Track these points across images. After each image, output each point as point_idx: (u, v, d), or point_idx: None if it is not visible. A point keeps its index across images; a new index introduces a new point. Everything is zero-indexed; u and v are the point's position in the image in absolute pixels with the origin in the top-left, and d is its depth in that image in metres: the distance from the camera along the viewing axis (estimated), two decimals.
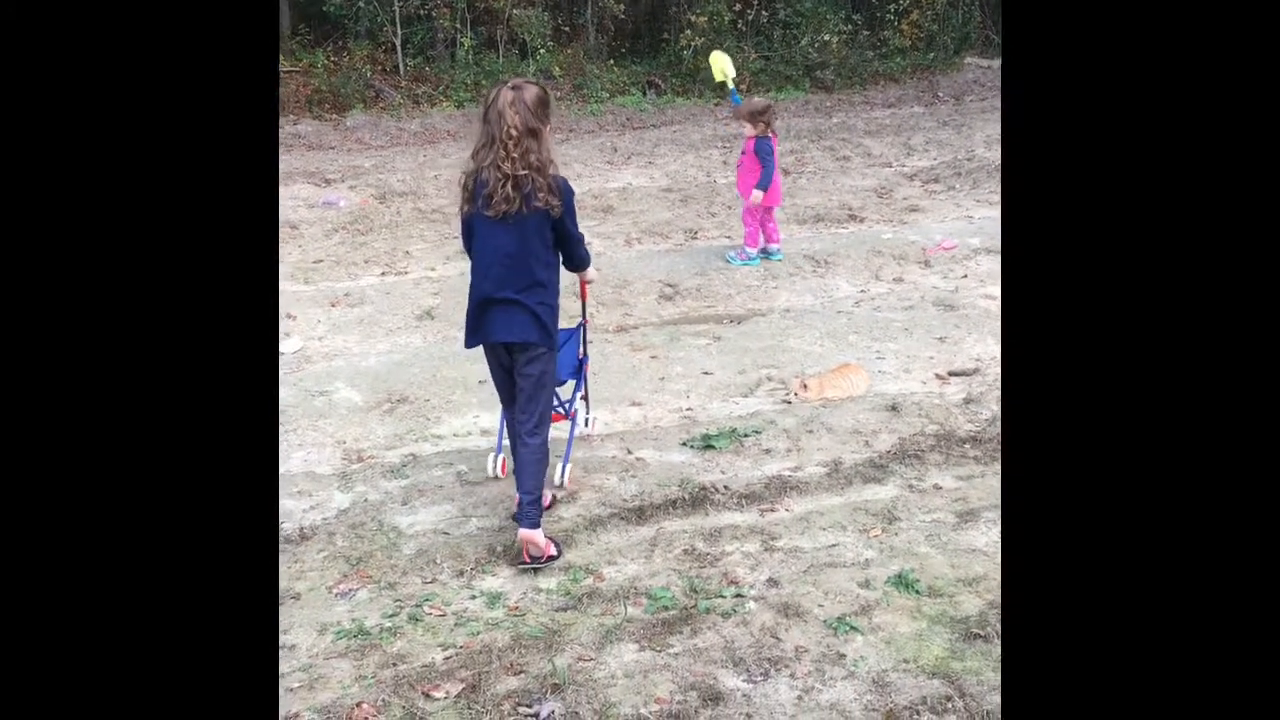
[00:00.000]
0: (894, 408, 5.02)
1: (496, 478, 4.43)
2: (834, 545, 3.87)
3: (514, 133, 3.51)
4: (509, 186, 3.52)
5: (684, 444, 4.74)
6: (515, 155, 3.52)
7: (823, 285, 7.28)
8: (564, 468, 4.41)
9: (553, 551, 3.80)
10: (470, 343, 3.83)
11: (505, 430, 4.17)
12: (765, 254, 7.75)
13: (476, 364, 5.73)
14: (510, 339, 3.71)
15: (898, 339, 6.14)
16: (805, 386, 5.30)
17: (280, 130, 13.28)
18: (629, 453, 4.67)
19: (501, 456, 4.43)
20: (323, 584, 3.66)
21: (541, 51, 15.34)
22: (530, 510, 3.71)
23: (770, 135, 7.47)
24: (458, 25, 15.39)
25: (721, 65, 8.53)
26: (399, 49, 15.29)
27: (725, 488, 4.31)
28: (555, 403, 4.22)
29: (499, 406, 5.19)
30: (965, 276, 7.35)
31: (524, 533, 3.70)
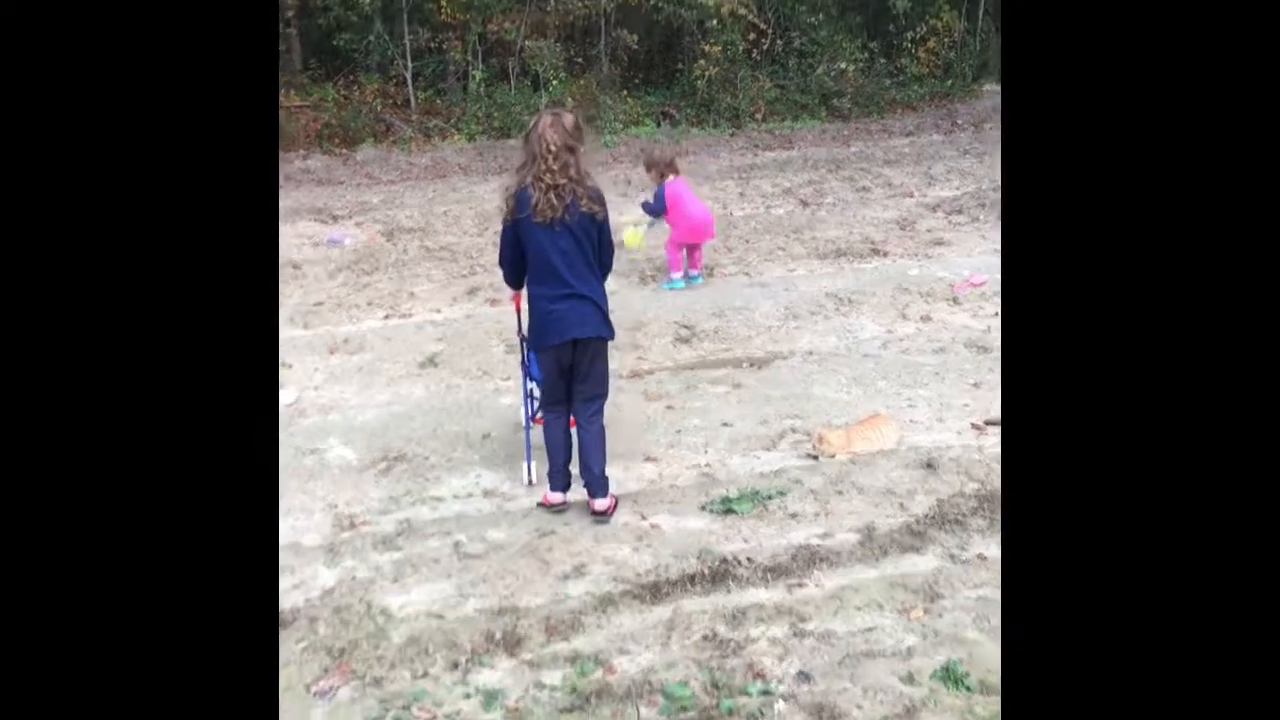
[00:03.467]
0: (930, 464, 4.63)
1: (530, 484, 4.66)
2: (870, 629, 3.47)
3: (553, 148, 3.98)
4: (551, 195, 3.98)
5: (703, 507, 4.36)
6: (555, 168, 3.98)
7: (847, 325, 6.90)
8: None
9: (615, 503, 4.38)
10: (546, 343, 4.16)
11: (530, 442, 4.61)
12: (689, 278, 7.94)
13: (480, 417, 5.40)
14: (586, 334, 4.15)
15: (929, 384, 5.75)
16: (823, 440, 4.90)
17: (289, 165, 13.05)
18: (643, 519, 4.29)
19: (534, 464, 4.68)
20: (301, 681, 3.28)
21: (554, 83, 15.07)
22: (602, 482, 4.31)
23: (666, 182, 7.67)
24: (469, 58, 15.15)
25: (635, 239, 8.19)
26: (410, 82, 15.05)
27: (748, 560, 3.92)
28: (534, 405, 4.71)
29: (501, 464, 4.90)
30: (996, 315, 6.96)
31: (598, 502, 4.31)
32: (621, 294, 7.67)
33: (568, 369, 4.23)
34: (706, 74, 15.46)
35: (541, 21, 15.44)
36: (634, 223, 8.14)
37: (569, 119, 4.10)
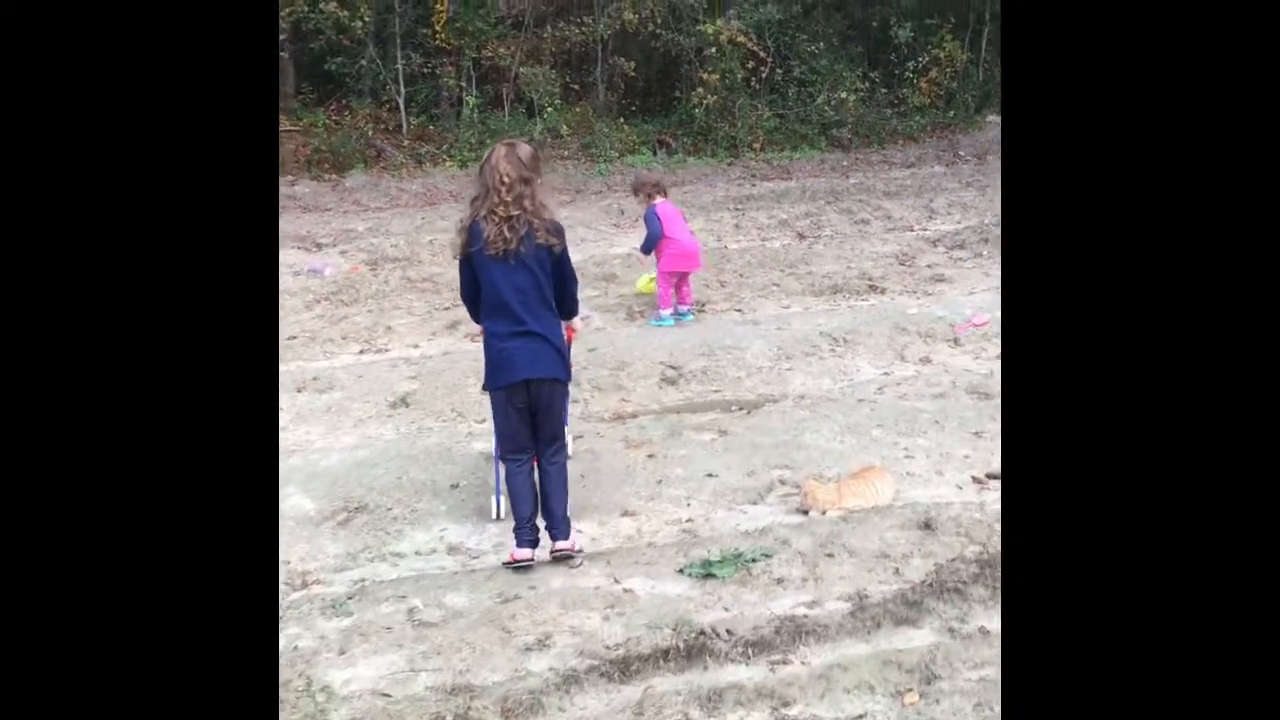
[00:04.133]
0: (927, 525, 4.30)
1: (498, 518, 4.52)
2: (860, 717, 3.14)
3: (506, 180, 3.84)
4: (504, 228, 3.82)
5: (681, 570, 4.03)
6: (509, 200, 3.84)
7: (842, 367, 6.59)
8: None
9: (579, 546, 4.18)
10: (497, 383, 3.99)
11: (499, 478, 4.33)
12: (678, 315, 7.70)
13: (449, 464, 5.08)
14: (538, 375, 3.95)
15: (928, 433, 5.43)
16: (811, 496, 4.56)
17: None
18: (615, 582, 3.97)
19: (504, 500, 4.41)
20: None
21: (549, 110, 14.82)
22: (563, 525, 4.13)
23: (654, 204, 7.52)
24: (463, 83, 14.92)
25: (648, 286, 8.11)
26: (402, 108, 14.80)
27: (728, 632, 3.59)
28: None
29: (468, 517, 4.59)
30: (1000, 357, 6.65)
31: (560, 544, 4.10)
32: (607, 330, 7.38)
33: (524, 411, 4.03)
34: (704, 102, 15.21)
35: (537, 48, 15.22)
36: (649, 276, 7.93)
37: (525, 149, 3.98)
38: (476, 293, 4.04)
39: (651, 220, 7.48)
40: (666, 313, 7.65)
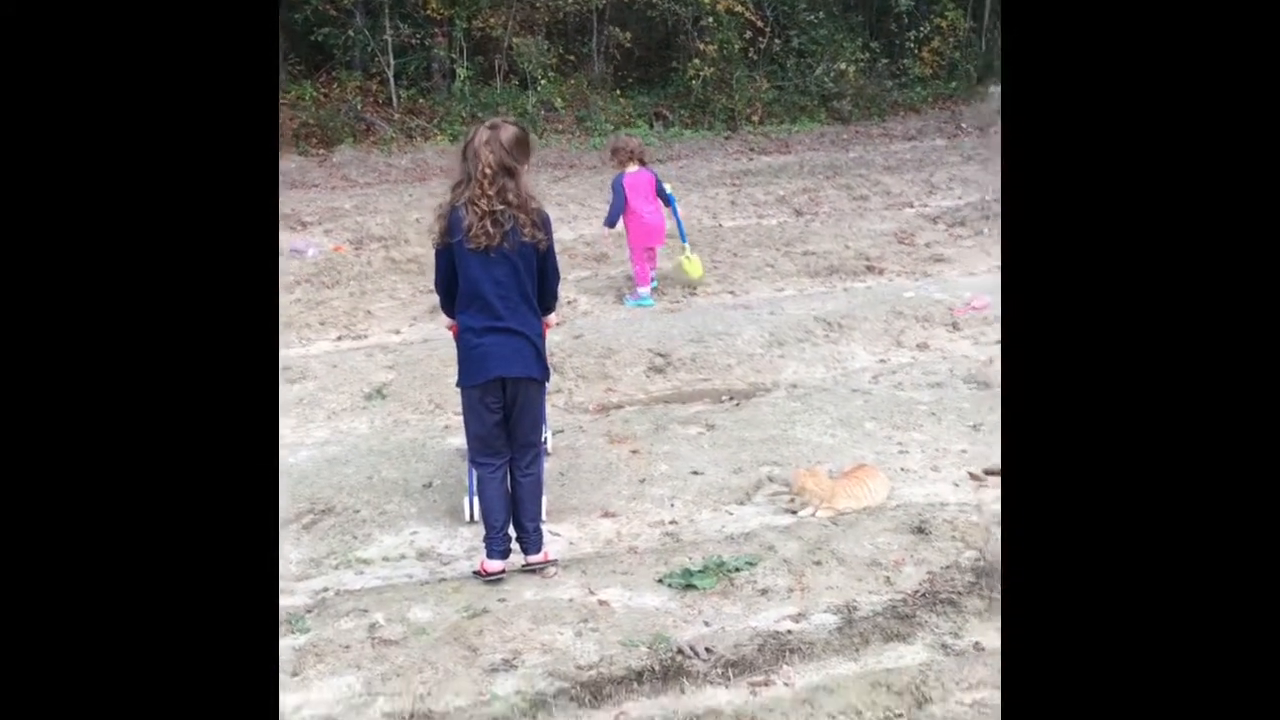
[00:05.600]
0: (921, 529, 4.08)
1: (471, 521, 4.28)
2: None
3: (488, 171, 3.55)
4: (487, 222, 3.55)
5: (661, 580, 3.81)
6: (491, 193, 3.55)
7: (836, 354, 6.36)
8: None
9: (553, 555, 3.99)
10: (471, 381, 3.74)
11: (474, 477, 4.05)
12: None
13: (423, 462, 4.87)
14: (514, 373, 3.70)
15: (924, 426, 5.21)
16: (804, 490, 4.35)
17: None
18: (591, 593, 3.75)
19: (477, 501, 4.10)
20: None
21: (543, 82, 14.51)
22: (535, 538, 3.92)
23: (625, 171, 7.32)
24: (454, 55, 14.58)
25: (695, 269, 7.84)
26: (392, 80, 14.48)
27: (708, 650, 3.38)
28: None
29: (440, 519, 4.38)
30: (999, 343, 6.42)
31: (532, 557, 3.91)
32: (594, 314, 7.15)
33: (498, 411, 3.77)
34: (701, 74, 14.88)
35: (530, 18, 14.87)
36: (685, 255, 7.65)
37: (508, 133, 3.64)
38: (453, 283, 3.77)
39: (616, 190, 7.31)
40: (645, 290, 7.50)
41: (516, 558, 3.94)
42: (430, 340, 6.57)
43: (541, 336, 3.82)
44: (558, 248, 4.03)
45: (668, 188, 7.53)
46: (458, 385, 3.85)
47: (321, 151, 13.38)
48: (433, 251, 3.87)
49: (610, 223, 7.42)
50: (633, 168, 7.35)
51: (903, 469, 4.78)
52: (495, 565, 3.85)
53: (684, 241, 7.74)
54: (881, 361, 6.24)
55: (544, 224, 3.71)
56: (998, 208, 9.59)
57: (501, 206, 3.57)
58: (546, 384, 3.99)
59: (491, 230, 3.57)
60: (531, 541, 3.92)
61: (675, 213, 7.63)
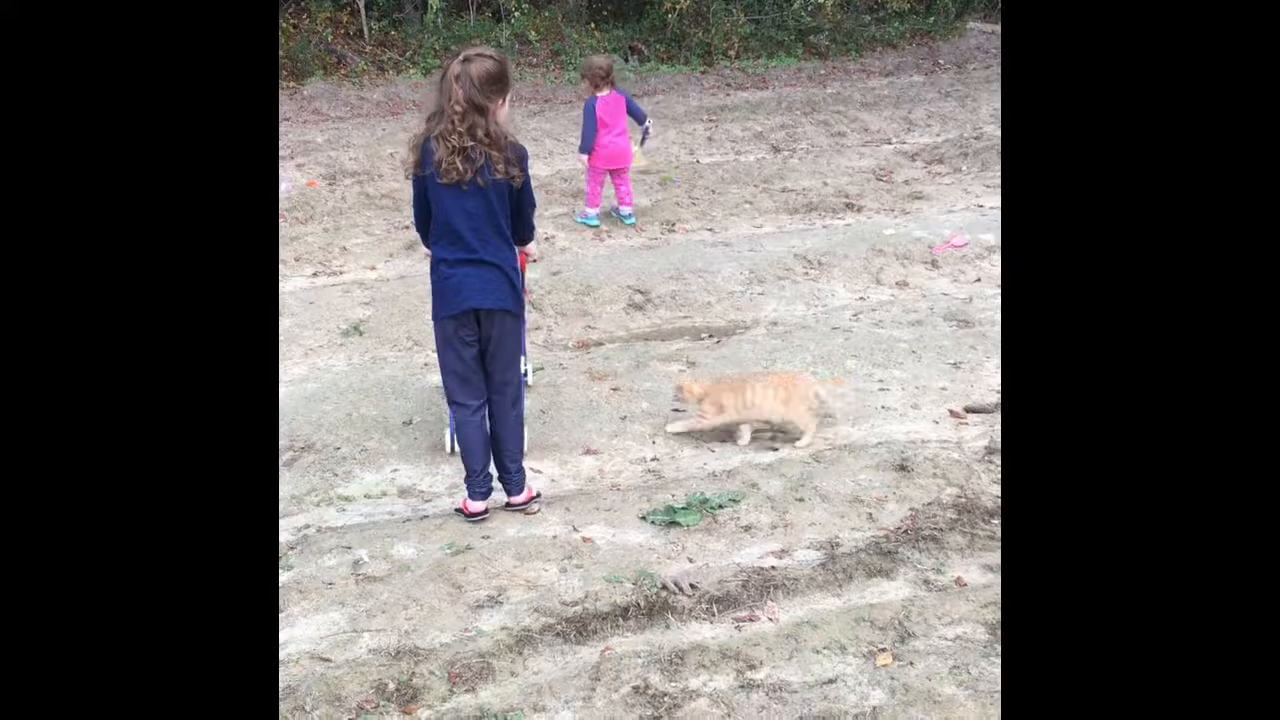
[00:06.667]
0: (903, 467, 4.10)
1: (453, 452, 4.30)
2: (830, 681, 2.95)
3: (458, 108, 3.47)
4: (457, 158, 3.49)
5: (644, 518, 3.82)
6: (461, 130, 3.48)
7: (816, 291, 6.34)
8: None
9: (537, 492, 4.02)
10: (445, 311, 3.68)
11: (453, 416, 3.94)
12: (620, 217, 7.68)
13: (402, 399, 4.83)
14: (488, 305, 3.66)
15: (904, 364, 5.21)
16: (685, 390, 4.50)
17: None
18: (574, 530, 3.75)
19: (453, 433, 4.12)
20: None
21: (517, 15, 14.25)
22: (517, 478, 3.92)
23: (597, 95, 7.28)
24: None
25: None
26: (363, 11, 14.17)
27: (692, 586, 3.39)
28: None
29: (421, 456, 4.36)
30: (979, 280, 6.43)
31: (514, 499, 3.93)
32: (572, 250, 7.08)
33: (473, 346, 3.72)
34: (678, 7, 14.65)
35: None
36: (639, 148, 7.66)
37: (480, 67, 3.50)
38: (427, 214, 3.71)
39: (588, 115, 7.29)
40: (593, 212, 7.61)
41: (500, 495, 3.93)
42: (407, 277, 6.50)
43: (517, 269, 3.75)
44: (534, 184, 3.97)
45: (648, 122, 7.55)
46: (433, 318, 3.80)
47: (292, 84, 13.10)
48: (408, 187, 3.81)
49: (585, 149, 7.40)
50: (604, 91, 7.32)
51: (883, 406, 4.79)
52: (477, 506, 3.84)
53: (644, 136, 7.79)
54: (861, 299, 6.23)
55: (519, 159, 3.62)
56: (977, 144, 9.57)
57: (471, 143, 3.49)
58: (524, 318, 3.95)
59: (462, 166, 3.50)
60: (514, 482, 3.91)
61: (646, 131, 7.71)
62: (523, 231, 3.82)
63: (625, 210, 7.70)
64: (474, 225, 3.59)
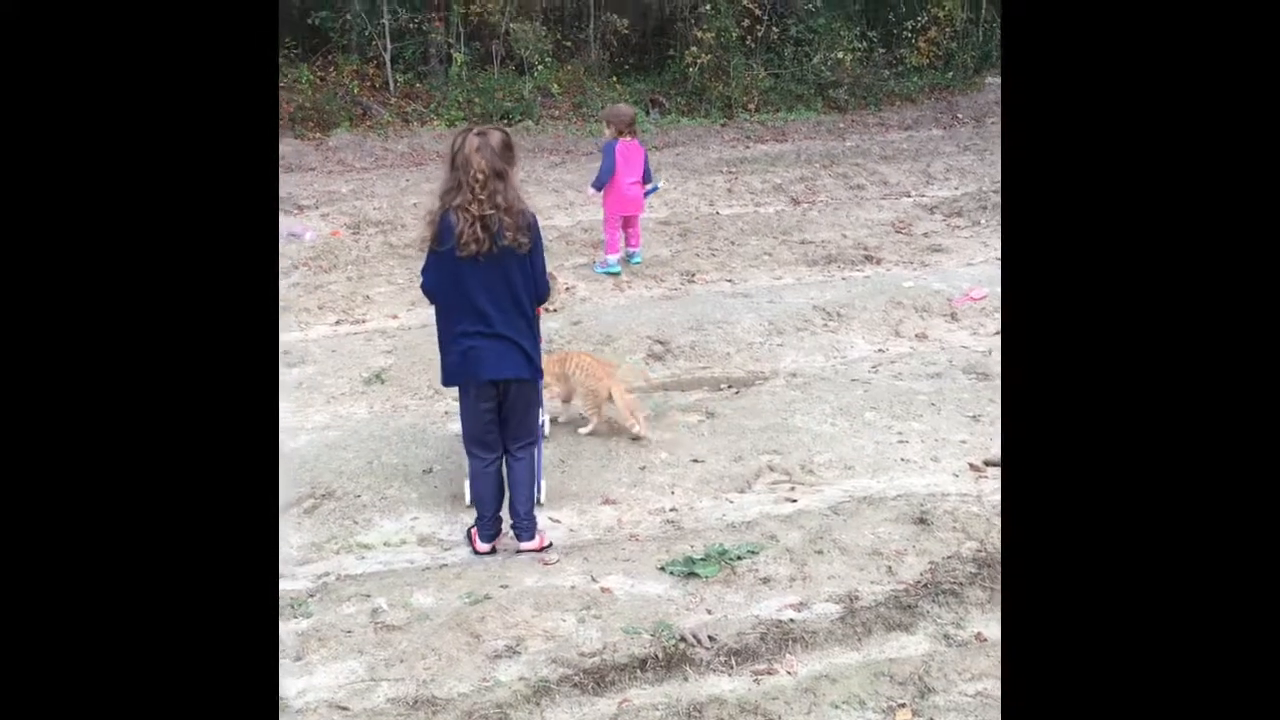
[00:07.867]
0: (922, 520, 4.09)
1: (471, 504, 4.23)
2: None
3: (480, 176, 3.59)
4: (478, 227, 3.60)
5: (663, 568, 3.82)
6: (482, 197, 3.60)
7: (835, 343, 6.36)
8: (540, 484, 4.35)
9: (547, 542, 4.07)
10: (453, 381, 3.88)
11: (471, 473, 4.07)
12: (628, 257, 7.81)
13: (423, 447, 4.86)
14: (504, 376, 3.80)
15: (924, 416, 5.21)
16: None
17: None
18: (593, 580, 3.76)
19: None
20: None
21: (540, 68, 14.46)
22: (527, 523, 4.01)
23: (616, 140, 7.42)
24: (451, 40, 14.52)
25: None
26: (389, 64, 14.42)
27: (710, 638, 3.39)
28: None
29: (440, 505, 4.39)
30: (998, 333, 6.43)
31: (526, 545, 4.01)
32: (593, 300, 7.13)
33: (492, 410, 3.90)
34: (698, 61, 14.84)
35: (528, 3, 14.84)
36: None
37: (497, 138, 3.70)
38: (444, 289, 3.82)
39: (608, 154, 7.42)
40: (614, 258, 7.66)
41: (510, 542, 4.02)
42: (428, 325, 6.50)
43: (532, 341, 3.87)
44: (554, 234, 4.11)
45: (659, 180, 7.70)
46: (444, 384, 3.97)
47: (318, 135, 13.31)
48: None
49: (599, 185, 7.48)
50: (626, 138, 7.45)
51: (903, 459, 4.79)
52: (484, 546, 4.04)
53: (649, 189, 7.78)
54: (880, 351, 6.24)
55: (529, 227, 3.75)
56: (995, 198, 9.60)
57: (491, 211, 3.62)
58: (540, 379, 4.09)
59: (481, 235, 3.62)
60: (524, 528, 4.02)
61: (654, 189, 7.84)
62: (539, 294, 3.93)
63: (633, 251, 7.85)
64: (494, 299, 3.72)
